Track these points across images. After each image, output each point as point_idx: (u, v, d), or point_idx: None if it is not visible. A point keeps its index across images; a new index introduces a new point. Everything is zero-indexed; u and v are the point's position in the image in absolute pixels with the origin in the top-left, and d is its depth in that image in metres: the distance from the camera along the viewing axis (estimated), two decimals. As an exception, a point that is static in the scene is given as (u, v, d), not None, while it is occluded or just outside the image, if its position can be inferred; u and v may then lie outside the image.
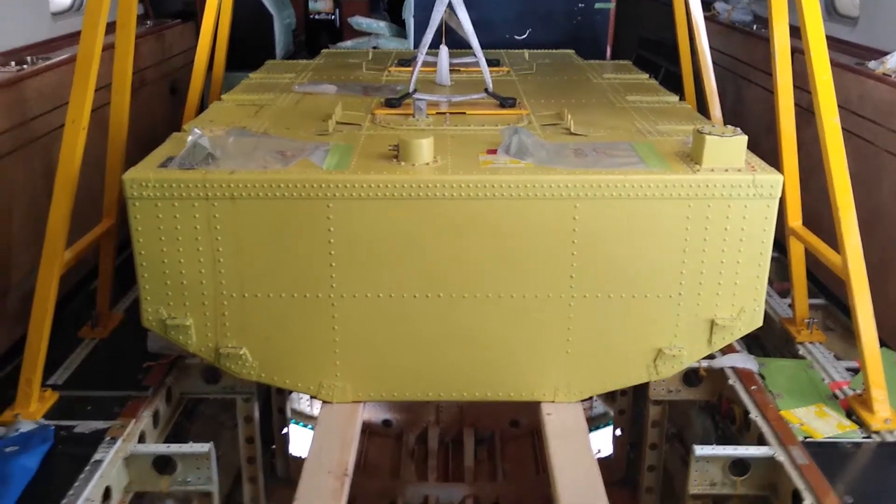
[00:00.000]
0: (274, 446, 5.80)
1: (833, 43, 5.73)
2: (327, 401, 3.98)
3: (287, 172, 3.62)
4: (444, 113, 4.67)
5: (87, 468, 3.52)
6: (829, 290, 5.26)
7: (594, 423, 6.41)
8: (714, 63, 5.90)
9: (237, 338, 3.83)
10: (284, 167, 3.67)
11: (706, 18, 6.18)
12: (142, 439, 3.92)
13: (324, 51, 7.09)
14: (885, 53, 5.19)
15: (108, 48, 4.40)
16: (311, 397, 5.78)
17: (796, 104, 4.46)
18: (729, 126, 3.77)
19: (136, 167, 3.67)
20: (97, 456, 3.60)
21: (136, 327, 4.17)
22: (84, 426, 3.85)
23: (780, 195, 3.63)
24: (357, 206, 3.60)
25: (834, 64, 4.03)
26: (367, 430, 6.21)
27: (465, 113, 4.67)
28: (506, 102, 4.75)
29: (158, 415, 4.16)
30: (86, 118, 3.84)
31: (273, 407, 5.75)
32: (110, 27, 4.25)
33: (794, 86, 4.44)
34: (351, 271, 3.71)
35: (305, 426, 6.13)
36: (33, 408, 3.91)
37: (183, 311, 3.78)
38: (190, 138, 3.75)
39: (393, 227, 3.64)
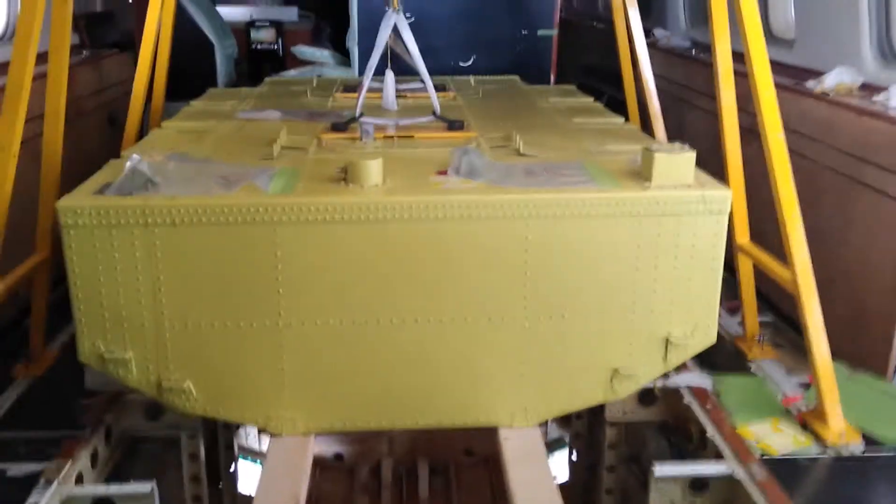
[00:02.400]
0: (222, 484, 5.58)
1: (771, 65, 5.86)
2: (276, 433, 3.83)
3: (231, 197, 3.50)
4: (391, 136, 4.61)
5: (22, 513, 3.32)
6: (777, 307, 5.31)
7: (549, 448, 6.34)
8: (656, 88, 5.99)
9: (180, 370, 3.67)
10: (228, 192, 3.56)
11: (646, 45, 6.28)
12: (79, 481, 3.71)
13: (267, 79, 7.00)
14: (822, 74, 5.31)
15: (43, 77, 4.26)
16: (260, 431, 5.61)
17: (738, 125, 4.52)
18: (677, 143, 3.79)
19: (70, 194, 3.52)
20: (32, 500, 3.39)
21: (73, 364, 3.96)
22: (17, 469, 3.62)
23: (729, 210, 3.64)
24: (304, 231, 3.50)
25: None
26: (319, 464, 6.04)
27: (412, 136, 4.62)
28: (454, 125, 4.72)
29: (97, 455, 3.95)
30: (15, 145, 3.68)
31: (220, 443, 5.54)
32: (44, 56, 4.12)
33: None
34: (299, 298, 3.60)
35: (255, 462, 5.93)
36: (-39, 452, 3.68)
37: (122, 344, 3.61)
38: (128, 164, 3.62)
39: (342, 251, 3.55)
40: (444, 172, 3.80)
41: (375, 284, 3.60)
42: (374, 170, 3.60)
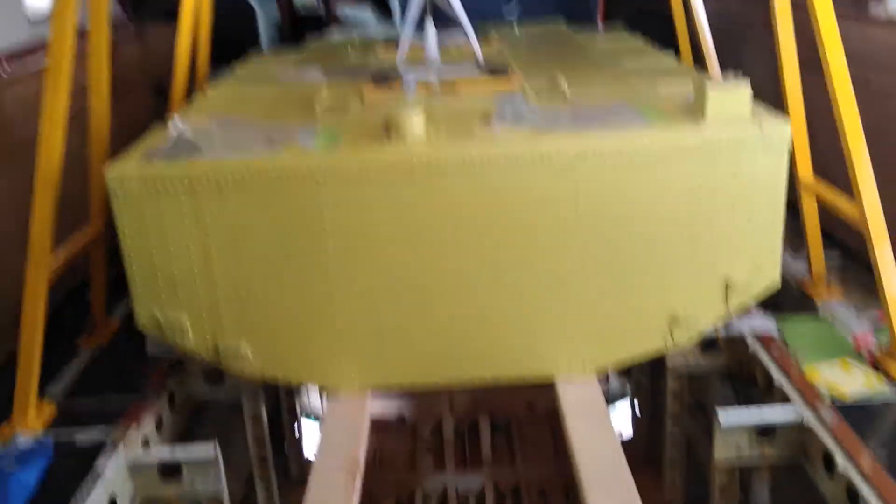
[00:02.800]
0: (287, 446, 5.66)
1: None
2: (333, 391, 3.84)
3: (275, 158, 3.47)
4: (434, 89, 4.51)
5: (89, 478, 3.39)
6: (844, 246, 5.09)
7: (610, 400, 6.25)
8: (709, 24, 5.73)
9: (235, 333, 3.69)
10: (272, 153, 3.52)
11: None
12: (146, 445, 3.79)
13: (309, 41, 6.94)
14: (887, -2, 5.01)
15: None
16: (320, 391, 5.65)
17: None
18: (731, 77, 3.61)
19: (118, 162, 3.53)
20: (99, 465, 3.47)
21: (135, 332, 4.03)
22: (84, 435, 3.71)
23: (789, 146, 3.47)
24: (349, 187, 3.46)
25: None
26: (381, 426, 6.08)
27: (455, 87, 4.51)
28: (497, 73, 4.60)
29: (162, 420, 4.02)
30: (61, 118, 3.69)
31: (283, 405, 5.61)
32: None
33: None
34: (348, 256, 3.57)
35: (317, 422, 6.00)
36: (31, 421, 3.77)
37: (177, 310, 3.64)
38: (172, 130, 3.61)
39: (388, 206, 3.50)
40: (488, 121, 3.70)
41: (423, 239, 3.55)
42: (416, 123, 3.53)
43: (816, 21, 3.71)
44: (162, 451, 3.74)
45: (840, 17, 3.81)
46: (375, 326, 3.69)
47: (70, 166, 3.89)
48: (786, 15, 4.23)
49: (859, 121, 3.69)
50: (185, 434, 4.45)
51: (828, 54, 3.69)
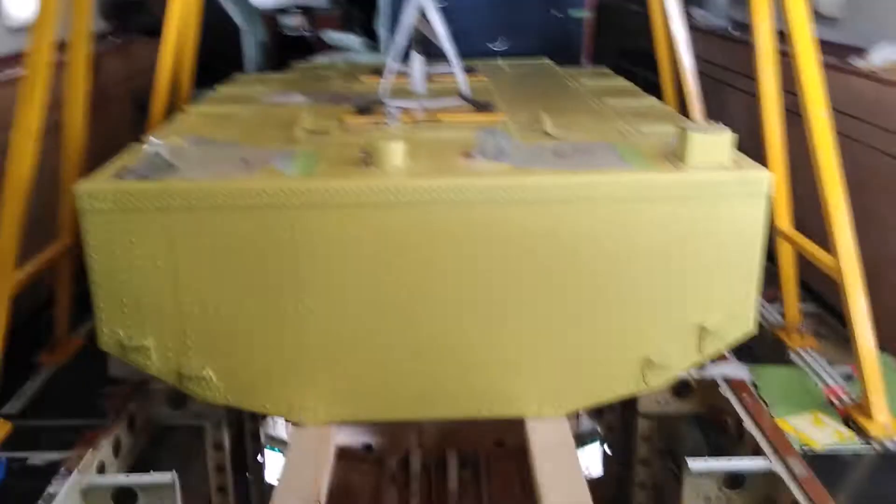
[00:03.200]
0: (249, 475, 5.53)
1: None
2: (298, 423, 3.75)
3: (249, 181, 3.41)
4: (417, 119, 4.49)
5: (41, 502, 3.27)
6: (819, 296, 5.10)
7: (581, 440, 6.18)
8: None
9: (200, 358, 3.60)
10: (247, 175, 3.47)
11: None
12: (101, 470, 3.67)
13: (294, 64, 6.92)
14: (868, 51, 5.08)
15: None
16: (286, 420, 5.54)
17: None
18: (713, 123, 3.62)
19: (89, 178, 3.46)
20: (51, 489, 3.35)
21: (98, 352, 3.92)
22: (38, 458, 3.61)
23: (768, 193, 3.46)
24: (324, 214, 3.40)
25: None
26: (348, 455, 5.96)
27: (439, 119, 4.49)
28: (482, 107, 4.58)
29: (120, 444, 3.91)
30: (36, 127, 3.62)
31: (246, 433, 5.49)
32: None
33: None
34: (320, 283, 3.50)
35: (281, 452, 5.87)
36: (-17, 439, 3.66)
37: (142, 332, 3.55)
38: (148, 148, 3.55)
39: (363, 235, 3.44)
40: (469, 154, 3.67)
41: (398, 270, 3.49)
42: (395, 152, 3.49)
43: (799, 70, 3.74)
44: (117, 477, 3.63)
45: (824, 67, 3.85)
46: (342, 358, 3.62)
47: (47, 179, 3.83)
48: (769, 63, 4.27)
49: (838, 172, 3.71)
50: (144, 458, 4.33)
51: (809, 104, 3.72)
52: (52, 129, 4.30)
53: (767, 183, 3.44)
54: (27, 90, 3.64)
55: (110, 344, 3.60)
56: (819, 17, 6.06)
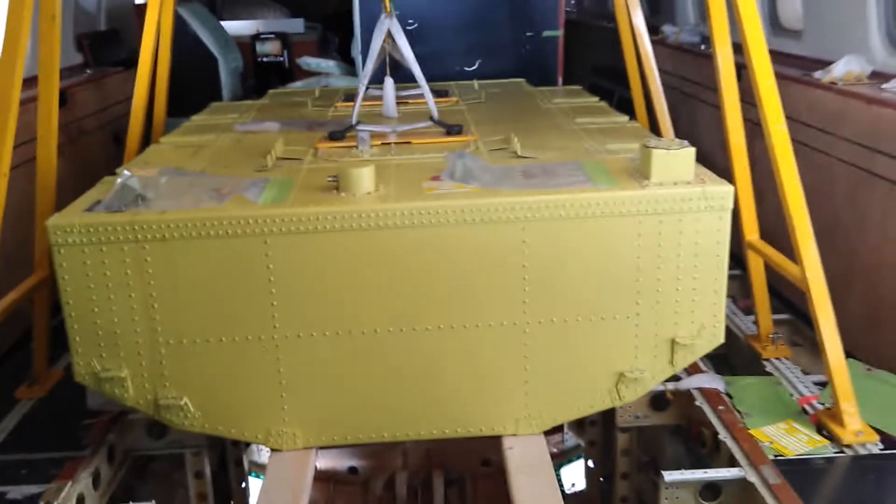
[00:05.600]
0: (232, 502, 5.52)
1: (780, 57, 5.74)
2: (276, 449, 3.77)
3: (221, 209, 3.45)
4: (388, 143, 4.55)
5: (18, 537, 3.28)
6: (793, 304, 5.17)
7: (566, 456, 6.20)
8: (666, 85, 5.88)
9: (177, 387, 3.62)
10: (219, 204, 3.51)
11: (655, 42, 6.18)
12: (81, 502, 3.67)
13: (270, 91, 6.97)
14: (831, 63, 5.18)
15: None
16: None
17: (748, 120, 4.40)
18: (676, 139, 3.69)
19: (60, 213, 3.49)
20: (29, 523, 3.36)
21: (77, 385, 3.94)
22: (17, 492, 3.59)
23: (731, 207, 3.53)
24: (296, 241, 3.44)
25: (780, 76, 3.98)
26: (333, 478, 5.96)
27: (410, 143, 4.55)
28: (452, 130, 4.65)
29: (100, 475, 3.91)
30: (5, 165, 3.66)
31: (229, 460, 5.49)
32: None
33: (744, 101, 4.38)
34: (294, 310, 3.54)
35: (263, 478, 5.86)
36: (-39, 475, 3.66)
37: (117, 363, 3.57)
38: (119, 180, 3.59)
39: (335, 260, 3.48)
40: (437, 177, 3.73)
41: (371, 294, 3.53)
42: (365, 177, 3.54)
43: (756, 86, 3.82)
44: (96, 510, 3.63)
45: (787, 79, 3.93)
46: (319, 383, 3.65)
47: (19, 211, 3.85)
48: (730, 78, 4.35)
49: (799, 183, 3.78)
50: (125, 489, 4.33)
51: (767, 119, 3.79)
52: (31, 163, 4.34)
53: (730, 197, 3.51)
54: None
55: (86, 376, 3.62)
56: (782, 30, 6.20)
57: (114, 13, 8.61)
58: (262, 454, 6.05)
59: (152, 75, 5.71)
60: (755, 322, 4.82)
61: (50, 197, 4.26)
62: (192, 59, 7.47)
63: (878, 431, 3.75)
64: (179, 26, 6.47)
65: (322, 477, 5.70)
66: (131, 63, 8.26)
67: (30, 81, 4.17)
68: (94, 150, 6.96)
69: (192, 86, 7.22)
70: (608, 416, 4.70)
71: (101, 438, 4.02)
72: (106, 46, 8.19)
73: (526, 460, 3.67)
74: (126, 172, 3.65)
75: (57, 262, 3.43)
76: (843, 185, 4.80)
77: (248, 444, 5.63)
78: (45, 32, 4.11)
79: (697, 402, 4.16)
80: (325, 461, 5.71)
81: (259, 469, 5.85)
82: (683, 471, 3.69)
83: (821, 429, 3.83)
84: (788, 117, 3.88)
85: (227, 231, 3.41)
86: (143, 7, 6.11)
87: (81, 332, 3.52)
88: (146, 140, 5.73)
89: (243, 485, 5.62)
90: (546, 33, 7.62)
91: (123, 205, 3.48)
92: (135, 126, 5.46)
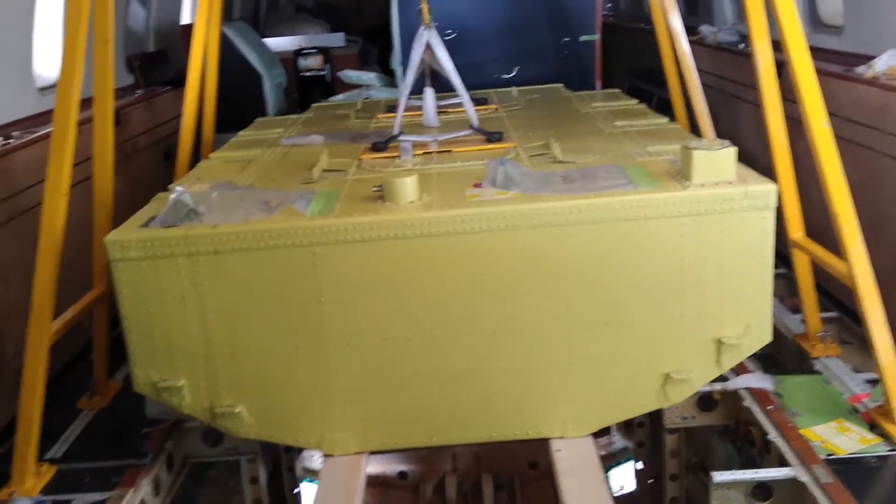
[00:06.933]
0: (287, 507, 5.63)
1: (820, 53, 5.68)
2: (329, 454, 3.86)
3: (270, 222, 3.56)
4: (430, 152, 4.62)
5: (85, 542, 3.42)
6: (841, 302, 5.11)
7: (616, 458, 6.16)
8: (705, 85, 5.86)
9: (232, 395, 3.73)
10: (268, 217, 3.62)
11: (693, 42, 6.17)
12: (143, 508, 3.81)
13: (313, 105, 7.11)
14: (873, 58, 5.12)
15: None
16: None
17: (790, 117, 4.37)
18: (717, 140, 3.70)
19: (117, 229, 3.63)
20: (95, 529, 3.50)
21: (135, 394, 4.08)
22: (81, 499, 3.75)
23: (775, 205, 3.52)
24: (343, 251, 3.53)
25: (821, 72, 3.97)
26: (384, 482, 6.03)
27: (451, 151, 4.62)
28: (492, 137, 4.71)
29: (159, 482, 4.05)
30: (65, 184, 3.81)
31: (283, 466, 5.60)
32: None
33: (785, 99, 4.36)
34: (343, 318, 3.63)
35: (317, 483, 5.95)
36: (29, 484, 3.81)
37: (174, 373, 3.70)
38: (172, 196, 3.72)
39: (382, 269, 3.56)
40: (479, 185, 3.79)
41: (417, 301, 3.61)
42: (408, 186, 3.62)
43: (797, 84, 3.81)
44: (158, 515, 3.76)
45: (828, 76, 3.90)
46: (369, 388, 3.73)
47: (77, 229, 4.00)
48: (770, 76, 4.33)
49: (844, 180, 3.75)
50: (183, 496, 4.47)
51: (809, 116, 3.78)
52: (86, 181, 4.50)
53: (773, 195, 3.50)
54: (55, 148, 3.82)
55: (145, 386, 3.75)
56: (822, 26, 6.14)
57: (161, 34, 8.86)
58: (315, 460, 6.15)
59: (200, 93, 5.87)
60: (803, 321, 4.78)
61: (107, 214, 4.42)
62: (237, 77, 7.65)
63: (933, 429, 3.70)
64: (225, 45, 6.64)
65: (373, 482, 5.76)
66: (179, 82, 8.49)
67: (84, 103, 4.34)
68: (146, 167, 7.17)
69: (238, 102, 7.40)
70: (656, 417, 4.70)
71: (160, 446, 4.15)
72: (155, 67, 8.43)
73: (574, 463, 3.70)
74: (179, 188, 3.78)
75: (115, 277, 3.57)
76: (890, 180, 4.75)
77: (301, 450, 5.73)
78: (100, 55, 4.27)
79: (746, 403, 4.14)
80: (375, 466, 5.78)
81: (312, 475, 5.93)
82: (734, 471, 3.68)
83: (873, 427, 3.80)
84: (831, 113, 3.86)
85: (277, 242, 3.51)
86: (188, 27, 6.29)
87: (139, 343, 3.66)
88: (195, 156, 5.90)
89: (296, 490, 5.72)
90: (583, 38, 7.65)
91: (177, 220, 3.61)
92: (185, 143, 5.63)
